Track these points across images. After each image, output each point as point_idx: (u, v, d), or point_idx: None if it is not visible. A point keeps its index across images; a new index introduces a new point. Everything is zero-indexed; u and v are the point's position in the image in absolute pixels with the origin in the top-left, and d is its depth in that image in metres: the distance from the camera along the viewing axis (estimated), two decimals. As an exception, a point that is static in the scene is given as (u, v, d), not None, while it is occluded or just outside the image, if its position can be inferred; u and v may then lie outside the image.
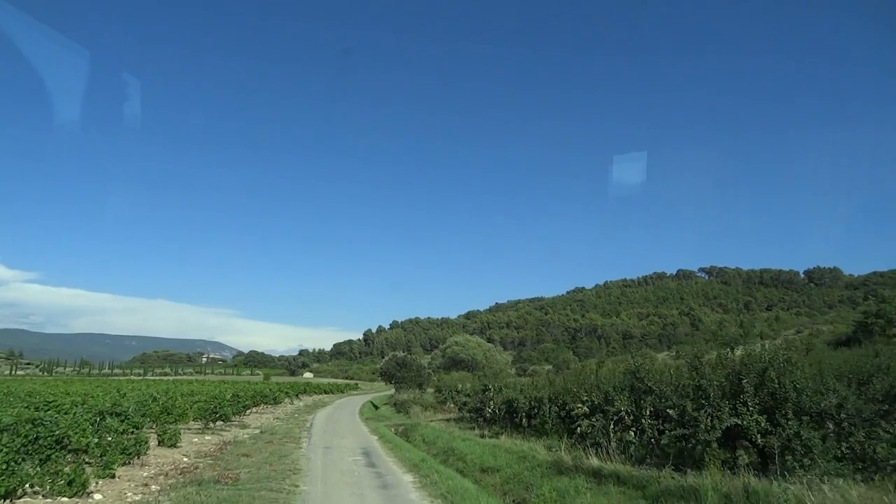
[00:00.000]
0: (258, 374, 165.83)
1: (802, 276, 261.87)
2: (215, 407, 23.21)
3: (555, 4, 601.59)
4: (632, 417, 14.67)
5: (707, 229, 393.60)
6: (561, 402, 18.76)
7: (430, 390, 49.98)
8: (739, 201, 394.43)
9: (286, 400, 44.36)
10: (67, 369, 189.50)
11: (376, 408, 47.62)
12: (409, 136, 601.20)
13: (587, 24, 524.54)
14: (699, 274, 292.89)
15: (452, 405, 29.73)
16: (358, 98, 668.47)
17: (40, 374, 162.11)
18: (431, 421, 27.69)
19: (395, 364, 49.76)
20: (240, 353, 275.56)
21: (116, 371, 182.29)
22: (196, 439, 19.76)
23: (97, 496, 10.60)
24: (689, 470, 11.12)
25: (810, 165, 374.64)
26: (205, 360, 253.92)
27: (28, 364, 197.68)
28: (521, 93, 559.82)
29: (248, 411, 33.02)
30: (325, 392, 69.46)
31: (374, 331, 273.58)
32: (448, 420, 27.38)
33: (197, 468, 13.94)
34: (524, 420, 20.61)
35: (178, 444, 17.53)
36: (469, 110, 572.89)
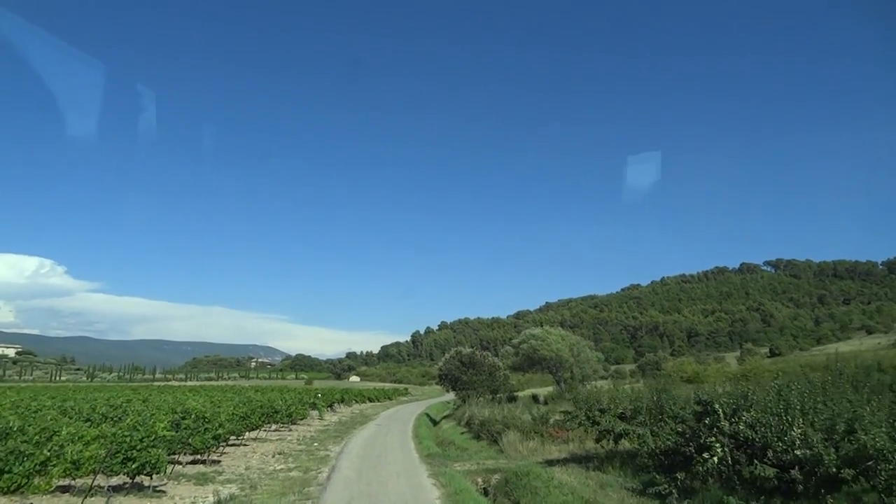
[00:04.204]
0: (303, 378, 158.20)
1: (881, 266, 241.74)
2: (128, 449, 11.41)
3: (565, 7, 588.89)
4: None
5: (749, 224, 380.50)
6: None
7: (500, 396, 37.59)
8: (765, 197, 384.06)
9: (313, 413, 32.62)
10: (112, 374, 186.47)
11: (435, 423, 35.42)
12: (430, 142, 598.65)
13: (598, 27, 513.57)
14: (764, 268, 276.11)
15: (583, 430, 16.78)
16: (379, 105, 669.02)
17: (85, 379, 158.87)
18: (550, 463, 15.16)
19: (459, 363, 37.31)
20: (288, 357, 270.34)
21: (159, 377, 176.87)
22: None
23: None
24: None
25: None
26: (253, 364, 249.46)
27: (78, 370, 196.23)
28: (537, 96, 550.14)
29: (243, 438, 21.25)
30: (369, 399, 57.72)
31: (422, 332, 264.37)
32: (583, 464, 14.78)
33: None
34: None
35: None
36: (482, 114, 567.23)
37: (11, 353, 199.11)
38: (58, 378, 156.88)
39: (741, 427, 10.02)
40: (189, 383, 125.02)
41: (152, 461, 11.70)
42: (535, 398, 43.35)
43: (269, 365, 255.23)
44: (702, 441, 10.69)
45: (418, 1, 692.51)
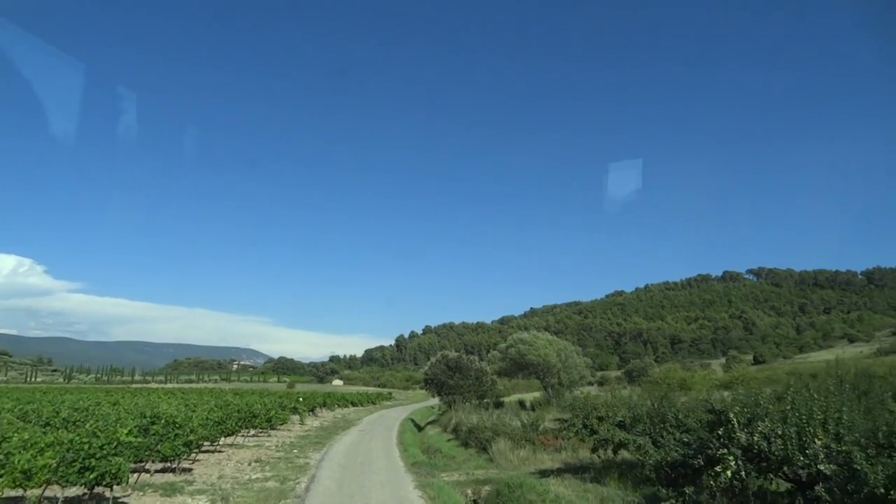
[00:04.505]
0: (285, 381, 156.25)
1: (860, 276, 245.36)
2: (86, 457, 10.41)
3: (549, 16, 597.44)
4: None
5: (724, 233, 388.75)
6: None
7: (487, 401, 36.69)
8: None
9: (294, 418, 31.53)
10: (90, 376, 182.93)
11: (420, 428, 34.50)
12: (414, 148, 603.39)
13: (581, 36, 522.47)
14: (747, 276, 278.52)
15: (575, 438, 15.91)
16: (364, 110, 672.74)
17: (62, 380, 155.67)
18: (544, 474, 14.33)
19: (446, 367, 36.27)
20: (270, 360, 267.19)
21: (138, 378, 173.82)
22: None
23: None
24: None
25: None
26: (235, 367, 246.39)
27: (55, 371, 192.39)
28: (520, 103, 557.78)
29: (218, 444, 20.15)
30: (353, 404, 56.56)
31: (406, 336, 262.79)
32: (579, 475, 13.94)
33: None
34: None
35: None
36: (466, 121, 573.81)
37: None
38: (33, 379, 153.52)
39: (756, 438, 9.26)
40: (168, 385, 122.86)
41: (112, 471, 10.67)
42: (521, 404, 42.57)
43: (252, 368, 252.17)
44: (711, 453, 9.93)
45: (405, 8, 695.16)
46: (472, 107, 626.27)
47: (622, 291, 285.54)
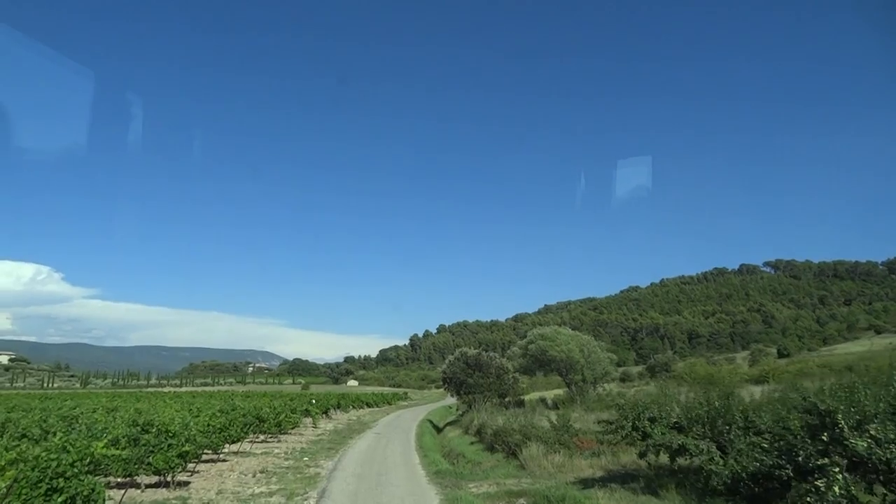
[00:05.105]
0: (300, 383, 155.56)
1: (881, 266, 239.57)
2: (54, 477, 8.79)
3: (556, 14, 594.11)
4: None
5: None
6: None
7: (508, 400, 34.89)
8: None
9: (306, 421, 29.93)
10: (106, 381, 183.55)
11: (438, 430, 32.79)
12: (425, 147, 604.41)
13: (590, 34, 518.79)
14: (764, 268, 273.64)
15: (623, 441, 13.97)
16: (373, 110, 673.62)
17: (79, 386, 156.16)
18: (585, 483, 12.49)
19: (465, 365, 34.42)
20: (285, 362, 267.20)
21: (153, 383, 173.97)
22: None
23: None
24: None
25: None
26: (250, 369, 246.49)
27: (72, 376, 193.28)
28: (530, 100, 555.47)
29: (222, 452, 18.53)
30: (368, 405, 54.99)
31: (420, 336, 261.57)
32: (627, 485, 12.08)
33: None
34: None
35: None
36: (477, 120, 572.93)
37: (4, 360, 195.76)
38: (50, 385, 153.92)
39: (865, 443, 7.40)
40: (182, 389, 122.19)
41: (85, 492, 9.01)
42: (543, 402, 40.73)
43: (267, 370, 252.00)
44: (803, 461, 8.08)
45: (408, 8, 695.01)
46: (481, 106, 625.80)
47: (637, 286, 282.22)
